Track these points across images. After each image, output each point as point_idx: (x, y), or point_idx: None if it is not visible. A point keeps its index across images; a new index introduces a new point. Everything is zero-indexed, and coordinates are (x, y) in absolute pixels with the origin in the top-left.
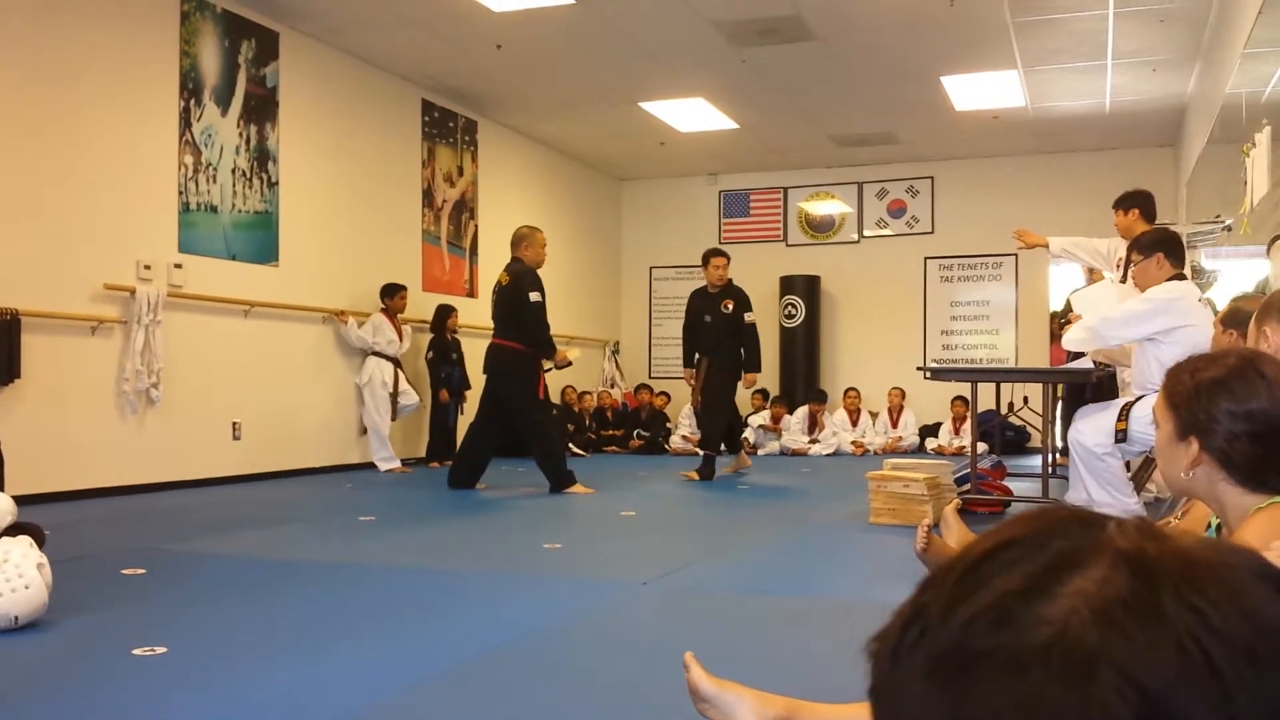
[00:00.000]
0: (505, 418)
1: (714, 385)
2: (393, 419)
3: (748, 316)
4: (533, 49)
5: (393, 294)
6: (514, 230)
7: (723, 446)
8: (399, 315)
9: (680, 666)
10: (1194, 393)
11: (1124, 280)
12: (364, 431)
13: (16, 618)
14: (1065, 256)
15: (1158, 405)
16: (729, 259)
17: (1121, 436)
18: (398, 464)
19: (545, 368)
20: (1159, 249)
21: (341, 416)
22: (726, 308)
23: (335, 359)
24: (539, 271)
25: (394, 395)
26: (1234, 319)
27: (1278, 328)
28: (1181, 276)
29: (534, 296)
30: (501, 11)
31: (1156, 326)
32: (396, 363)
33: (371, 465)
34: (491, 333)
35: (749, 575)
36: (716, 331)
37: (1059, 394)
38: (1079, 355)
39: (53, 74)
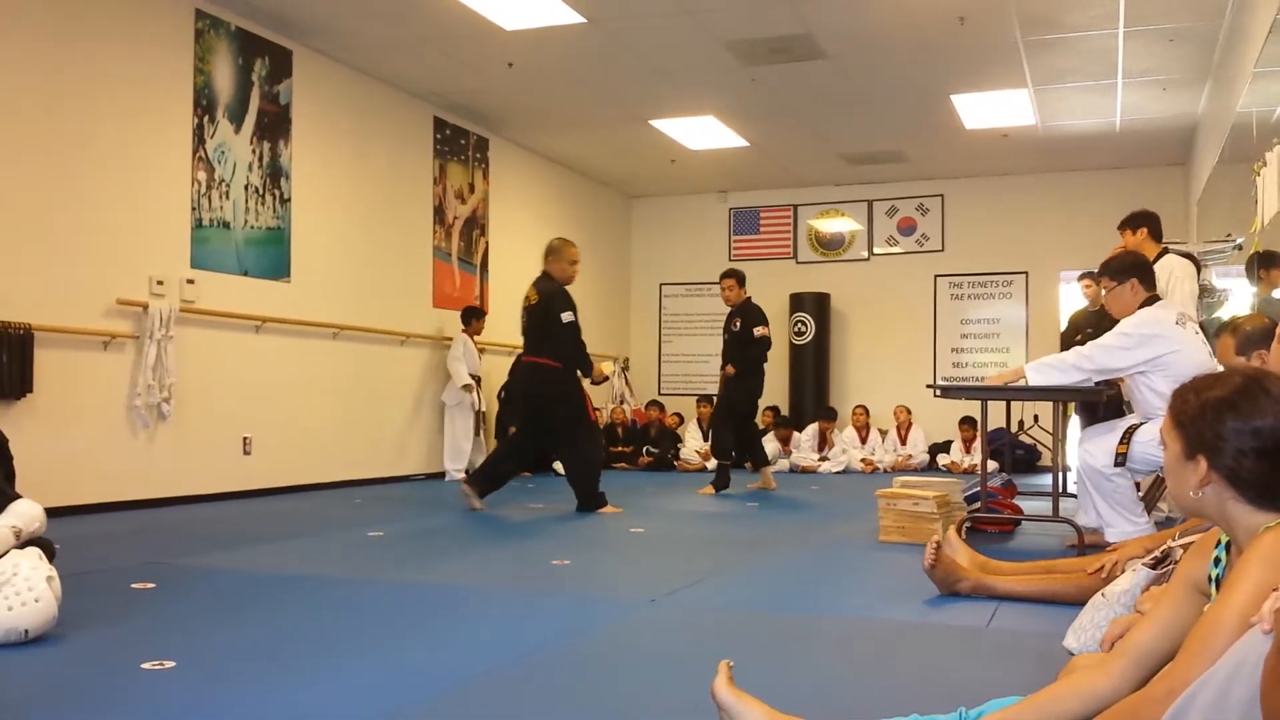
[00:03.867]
0: (546, 434)
1: (723, 398)
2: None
3: (757, 330)
4: (544, 67)
5: (470, 319)
6: (549, 242)
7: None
8: (476, 338)
9: (689, 682)
10: (1200, 412)
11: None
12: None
13: (26, 631)
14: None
15: (1164, 426)
16: (736, 278)
17: (1121, 460)
18: (462, 475)
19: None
20: (1133, 274)
21: (351, 431)
22: (735, 325)
23: (346, 374)
24: (569, 288)
25: (480, 413)
26: (1250, 341)
27: None
28: (1155, 299)
29: (566, 317)
30: (513, 30)
31: (1137, 359)
32: (476, 380)
33: (379, 481)
34: (522, 351)
35: (757, 593)
36: (729, 348)
37: (1069, 412)
38: None
39: (67, 91)
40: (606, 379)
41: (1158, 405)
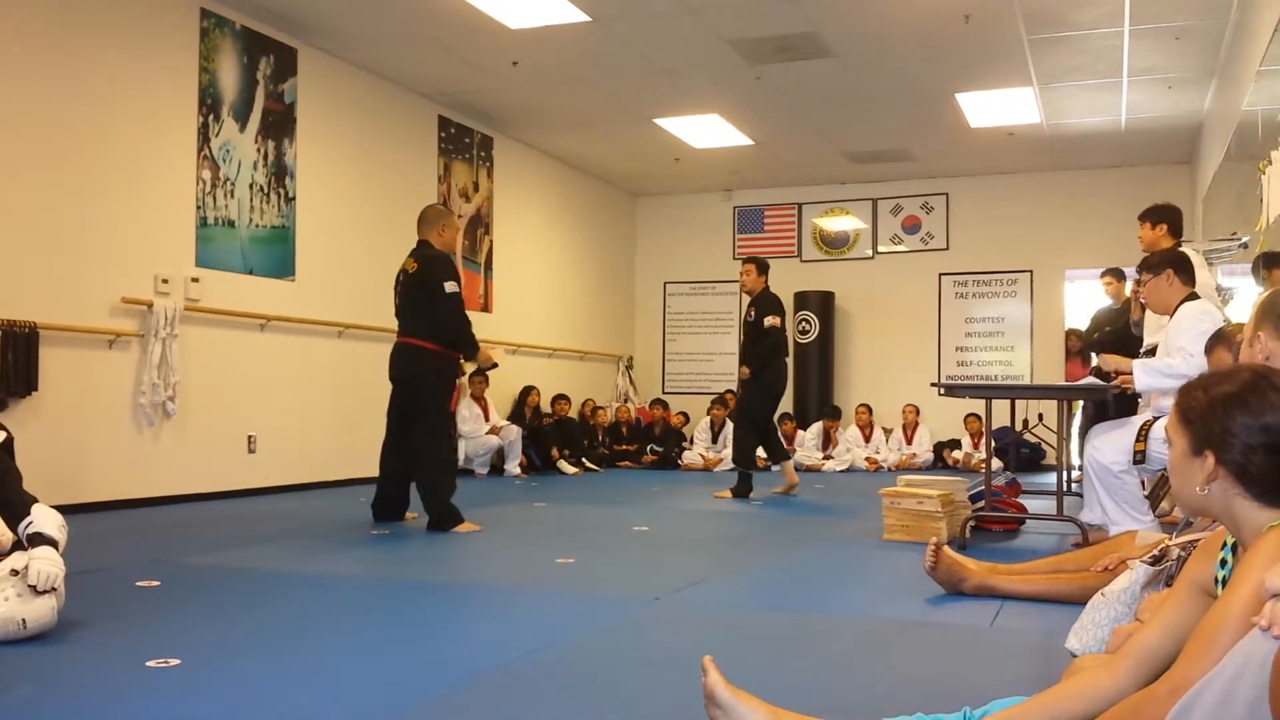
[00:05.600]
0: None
1: (741, 398)
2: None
3: (766, 321)
4: (548, 66)
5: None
6: (422, 209)
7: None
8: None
9: (693, 680)
10: (1209, 407)
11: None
12: None
13: (24, 620)
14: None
15: (1170, 423)
16: (756, 264)
17: (1140, 457)
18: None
19: (464, 372)
20: (1167, 266)
21: (356, 430)
22: (750, 315)
23: (350, 373)
24: (455, 259)
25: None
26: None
27: (1273, 334)
28: (1195, 295)
29: (450, 287)
30: (518, 29)
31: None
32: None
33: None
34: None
35: (761, 591)
36: (747, 341)
37: (1073, 410)
38: (1106, 375)
39: (73, 90)
40: (495, 366)
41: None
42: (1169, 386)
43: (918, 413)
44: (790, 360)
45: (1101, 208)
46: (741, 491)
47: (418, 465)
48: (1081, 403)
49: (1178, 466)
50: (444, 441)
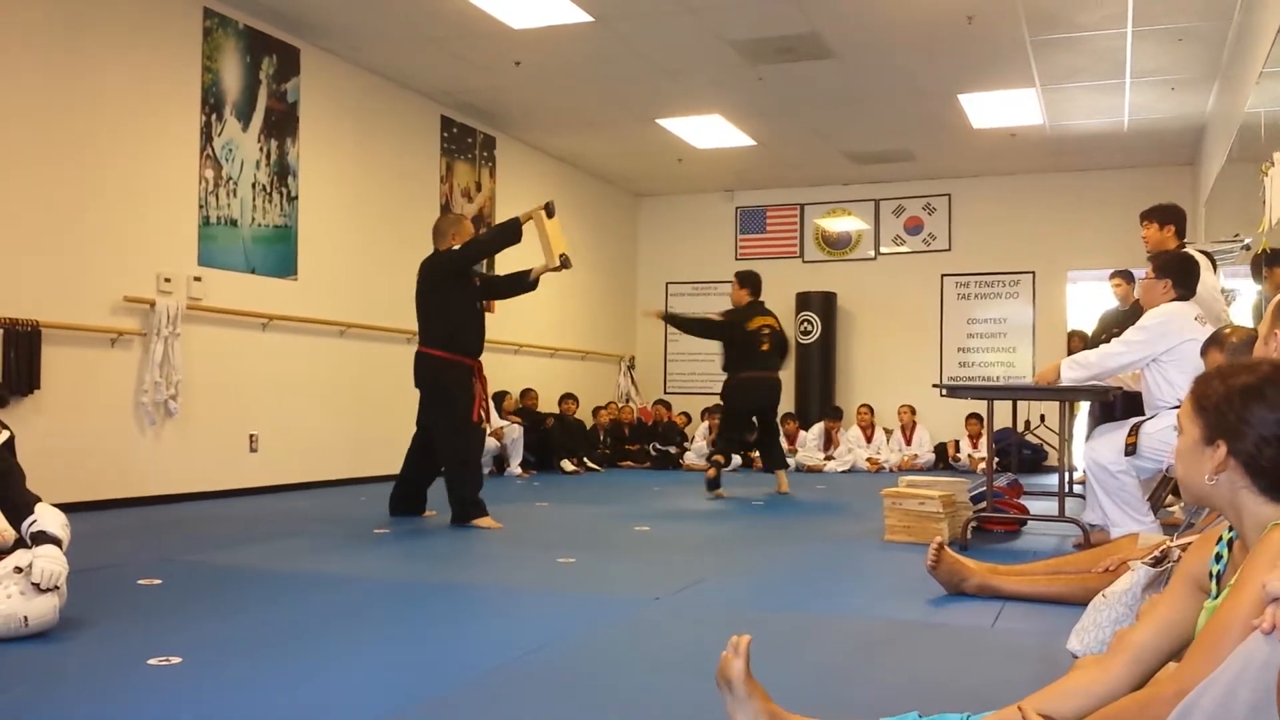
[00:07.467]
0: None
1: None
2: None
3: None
4: (551, 66)
5: None
6: (435, 221)
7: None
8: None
9: (693, 680)
10: (1226, 397)
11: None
12: None
13: (25, 618)
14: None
15: (1183, 411)
16: (738, 279)
17: (1131, 450)
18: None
19: (543, 274)
20: (1167, 274)
21: (358, 429)
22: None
23: (352, 372)
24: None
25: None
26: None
27: None
28: (1183, 299)
29: (455, 249)
30: (520, 29)
31: (1155, 350)
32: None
33: (385, 478)
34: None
35: (762, 591)
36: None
37: (1074, 411)
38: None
39: (76, 88)
40: (551, 210)
41: (1168, 397)
42: (1083, 377)
43: (914, 413)
44: (792, 360)
45: (1104, 209)
46: (710, 484)
47: (442, 465)
48: (1086, 406)
49: (1187, 454)
50: (465, 440)
